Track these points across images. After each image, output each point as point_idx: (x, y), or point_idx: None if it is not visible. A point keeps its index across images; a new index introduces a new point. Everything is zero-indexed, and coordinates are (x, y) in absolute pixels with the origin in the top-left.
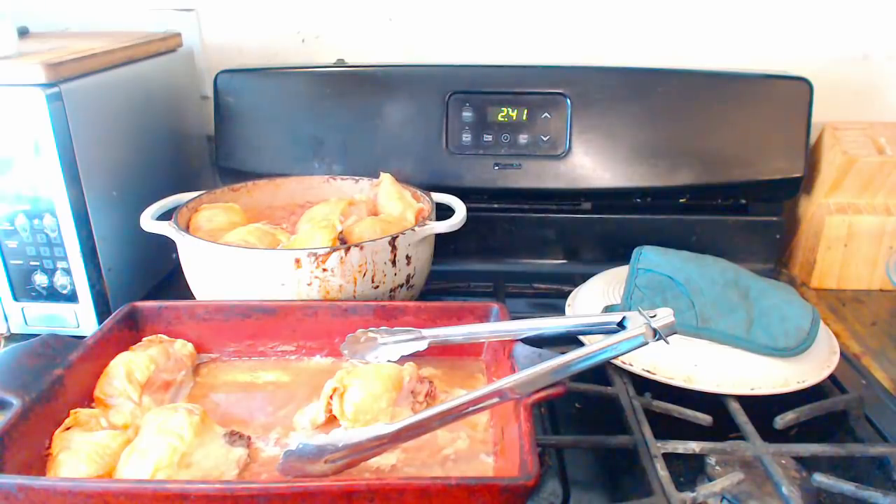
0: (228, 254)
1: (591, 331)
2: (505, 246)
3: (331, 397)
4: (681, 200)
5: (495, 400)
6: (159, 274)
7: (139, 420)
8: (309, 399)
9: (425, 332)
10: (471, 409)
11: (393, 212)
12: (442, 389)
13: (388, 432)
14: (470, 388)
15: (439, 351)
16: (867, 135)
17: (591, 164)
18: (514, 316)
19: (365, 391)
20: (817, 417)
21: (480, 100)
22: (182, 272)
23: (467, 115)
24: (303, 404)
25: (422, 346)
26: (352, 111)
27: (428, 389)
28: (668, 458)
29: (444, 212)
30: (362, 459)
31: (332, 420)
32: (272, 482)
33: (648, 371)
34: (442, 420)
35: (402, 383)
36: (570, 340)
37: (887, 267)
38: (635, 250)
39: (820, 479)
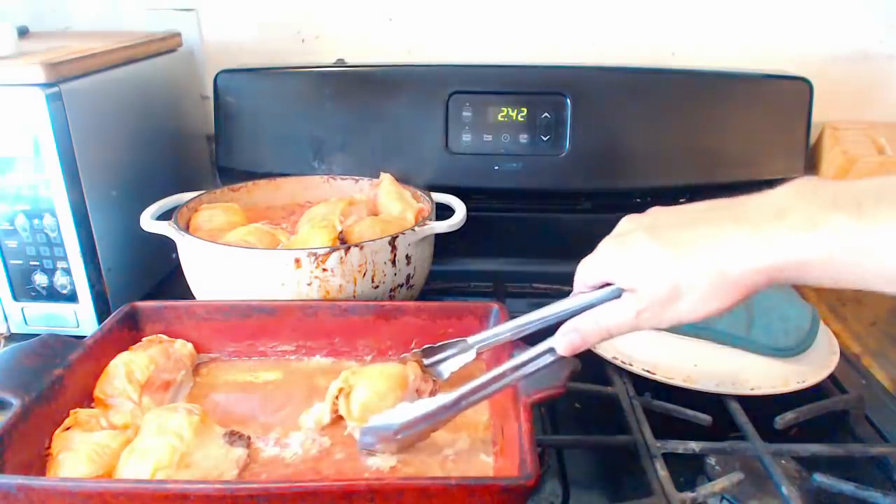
0: (228, 254)
1: None
2: (505, 246)
3: (336, 397)
4: (681, 200)
5: (548, 359)
6: (159, 274)
7: (139, 420)
8: (308, 399)
9: (470, 339)
10: (519, 372)
11: (393, 212)
12: (442, 390)
13: (449, 400)
14: None
15: None
16: (867, 135)
17: (591, 164)
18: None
19: (371, 391)
20: (817, 417)
21: (480, 100)
22: (182, 272)
23: (467, 115)
24: (302, 404)
25: (471, 356)
26: (352, 111)
27: (432, 388)
28: (668, 458)
29: (444, 212)
30: (428, 431)
31: (337, 420)
32: (272, 482)
33: (648, 371)
34: (493, 385)
35: (406, 382)
36: None
37: None
38: None
39: (820, 479)
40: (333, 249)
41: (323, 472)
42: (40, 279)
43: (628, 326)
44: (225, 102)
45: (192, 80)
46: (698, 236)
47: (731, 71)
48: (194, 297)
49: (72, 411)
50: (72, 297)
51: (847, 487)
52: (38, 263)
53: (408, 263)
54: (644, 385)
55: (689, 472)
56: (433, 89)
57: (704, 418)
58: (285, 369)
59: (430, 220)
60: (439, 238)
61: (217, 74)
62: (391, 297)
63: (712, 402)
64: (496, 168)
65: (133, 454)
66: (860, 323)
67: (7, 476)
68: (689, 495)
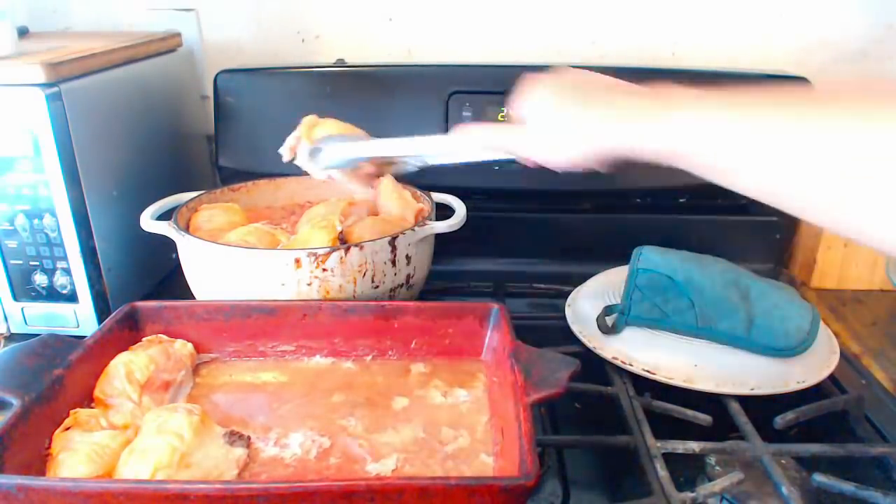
0: (228, 254)
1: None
2: (505, 246)
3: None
4: (680, 200)
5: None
6: (159, 274)
7: (139, 420)
8: (309, 398)
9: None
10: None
11: (393, 212)
12: (442, 389)
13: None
14: (470, 389)
15: (438, 351)
16: None
17: None
18: None
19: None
20: (817, 417)
21: (480, 100)
22: (182, 272)
23: (467, 115)
24: (302, 404)
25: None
26: (352, 111)
27: None
28: (668, 458)
29: (444, 212)
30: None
31: None
32: (272, 482)
33: (648, 371)
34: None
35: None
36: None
37: (887, 267)
38: (635, 250)
39: (820, 479)
40: (333, 249)
41: (323, 472)
42: (40, 279)
43: (513, 145)
44: (225, 102)
45: (191, 80)
46: (592, 98)
47: (731, 71)
48: (194, 297)
49: (72, 411)
50: (72, 297)
51: (847, 487)
52: (38, 263)
53: (408, 263)
54: (644, 385)
55: (689, 472)
56: (433, 89)
57: (704, 418)
58: (285, 369)
59: (430, 220)
60: (439, 238)
61: (217, 74)
62: (391, 297)
63: (712, 402)
64: (496, 168)
65: (133, 454)
66: (860, 323)
67: (7, 476)
68: (689, 495)
